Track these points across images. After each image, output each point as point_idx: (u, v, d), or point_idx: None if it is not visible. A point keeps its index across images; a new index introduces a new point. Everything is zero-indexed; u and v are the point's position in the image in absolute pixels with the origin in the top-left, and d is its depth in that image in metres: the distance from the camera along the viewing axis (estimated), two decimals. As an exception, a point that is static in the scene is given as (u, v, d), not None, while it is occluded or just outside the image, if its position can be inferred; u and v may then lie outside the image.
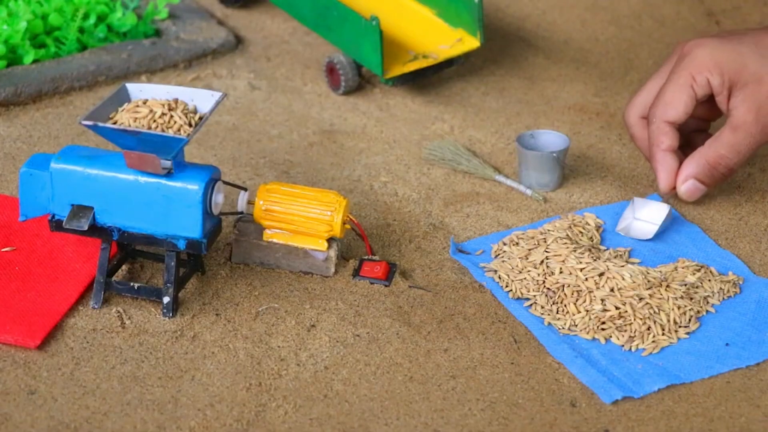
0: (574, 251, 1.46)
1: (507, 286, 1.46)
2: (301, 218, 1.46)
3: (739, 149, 1.51)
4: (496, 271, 1.48)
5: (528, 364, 1.37)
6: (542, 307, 1.42)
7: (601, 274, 1.43)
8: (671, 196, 1.57)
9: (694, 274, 1.47)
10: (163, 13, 1.94)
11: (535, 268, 1.46)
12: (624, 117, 1.60)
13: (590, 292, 1.41)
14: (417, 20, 1.87)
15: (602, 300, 1.41)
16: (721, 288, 1.46)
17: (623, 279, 1.42)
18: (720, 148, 1.52)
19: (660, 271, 1.46)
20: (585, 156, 1.72)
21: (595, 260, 1.45)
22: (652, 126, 1.54)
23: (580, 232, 1.53)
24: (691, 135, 1.61)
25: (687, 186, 1.54)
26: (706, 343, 1.40)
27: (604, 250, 1.50)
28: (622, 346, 1.39)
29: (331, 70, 1.82)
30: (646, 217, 1.54)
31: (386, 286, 1.47)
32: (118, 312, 1.41)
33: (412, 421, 1.30)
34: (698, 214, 1.61)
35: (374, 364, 1.37)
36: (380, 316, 1.43)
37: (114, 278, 1.45)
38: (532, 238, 1.50)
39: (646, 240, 1.53)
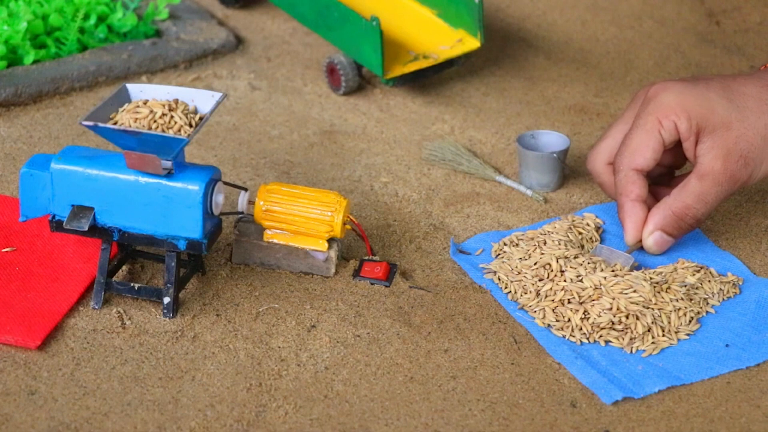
0: (575, 258, 1.46)
1: (506, 288, 1.46)
2: (301, 219, 1.46)
3: (706, 199, 1.45)
4: (495, 273, 1.48)
5: (528, 364, 1.37)
6: (543, 318, 1.42)
7: (603, 284, 1.43)
8: (637, 249, 1.51)
9: (693, 275, 1.47)
10: (164, 13, 1.94)
11: (534, 271, 1.46)
12: (588, 165, 1.54)
13: (592, 302, 1.41)
14: (417, 21, 1.87)
15: (606, 311, 1.40)
16: (720, 289, 1.46)
17: (630, 288, 1.41)
18: (686, 198, 1.45)
19: (660, 273, 1.46)
20: (585, 156, 1.71)
21: (595, 270, 1.44)
22: (620, 175, 1.47)
23: (580, 233, 1.53)
24: (654, 185, 1.55)
25: (654, 238, 1.47)
26: (706, 344, 1.40)
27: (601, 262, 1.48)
28: (623, 347, 1.39)
29: (331, 71, 1.82)
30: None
31: (387, 286, 1.47)
32: (119, 312, 1.41)
33: (413, 422, 1.30)
34: (698, 214, 1.61)
35: (375, 364, 1.37)
36: (381, 317, 1.43)
37: (114, 279, 1.45)
38: (532, 239, 1.50)
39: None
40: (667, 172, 1.56)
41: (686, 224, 1.47)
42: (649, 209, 1.48)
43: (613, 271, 1.43)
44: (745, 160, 1.43)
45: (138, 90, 1.40)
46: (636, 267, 1.48)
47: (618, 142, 1.50)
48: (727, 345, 1.40)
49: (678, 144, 1.48)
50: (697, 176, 1.45)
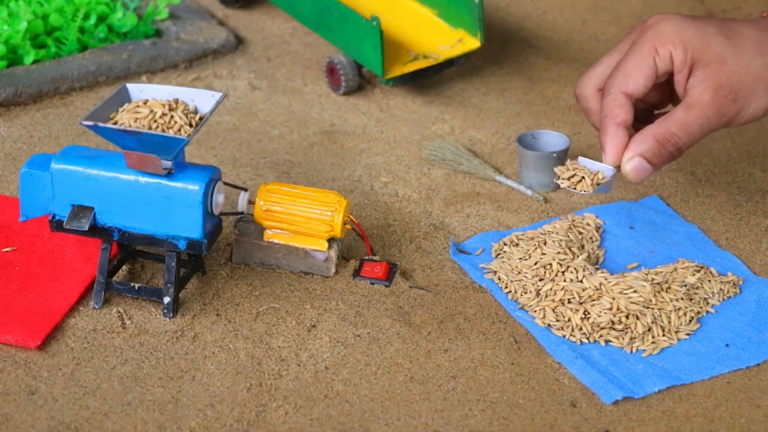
0: (573, 260, 1.46)
1: (506, 287, 1.46)
2: (301, 218, 1.46)
3: (690, 129, 1.41)
4: (495, 273, 1.48)
5: (528, 364, 1.37)
6: (543, 317, 1.42)
7: (603, 284, 1.43)
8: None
9: (693, 274, 1.47)
10: (164, 13, 1.94)
11: (535, 271, 1.46)
12: (577, 89, 1.50)
13: (592, 302, 1.41)
14: (417, 20, 1.87)
15: (606, 311, 1.40)
16: (720, 288, 1.46)
17: (630, 288, 1.41)
18: (671, 125, 1.41)
19: (660, 273, 1.46)
20: (585, 156, 1.71)
21: (595, 271, 1.44)
22: (608, 97, 1.43)
23: (580, 233, 1.53)
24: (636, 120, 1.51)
25: (633, 164, 1.42)
26: (706, 343, 1.40)
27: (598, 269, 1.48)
28: (623, 347, 1.39)
29: (331, 71, 1.82)
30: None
31: (387, 286, 1.47)
32: (119, 312, 1.41)
33: (413, 422, 1.30)
34: (698, 214, 1.61)
35: (375, 364, 1.37)
36: (381, 317, 1.43)
37: (114, 278, 1.45)
38: (532, 238, 1.50)
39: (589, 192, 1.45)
40: (648, 110, 1.52)
41: (667, 152, 1.42)
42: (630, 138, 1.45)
43: (593, 181, 1.41)
44: (734, 96, 1.42)
45: (138, 90, 1.40)
46: (612, 177, 1.43)
47: (610, 69, 1.47)
48: (727, 345, 1.40)
49: (666, 81, 1.45)
50: (685, 106, 1.42)
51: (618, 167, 1.42)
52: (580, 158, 1.45)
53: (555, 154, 1.62)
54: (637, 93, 1.43)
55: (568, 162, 1.44)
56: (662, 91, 1.49)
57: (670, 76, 1.44)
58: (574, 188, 1.42)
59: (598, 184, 1.41)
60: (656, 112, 1.51)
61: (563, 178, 1.43)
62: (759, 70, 1.42)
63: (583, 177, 1.42)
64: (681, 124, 1.41)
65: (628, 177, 1.43)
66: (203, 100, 1.39)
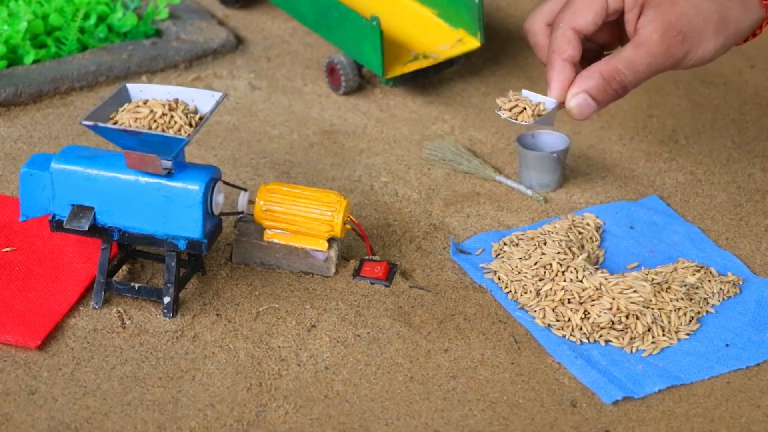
0: (573, 260, 1.46)
1: (506, 287, 1.46)
2: (301, 218, 1.46)
3: (637, 67, 1.38)
4: (495, 272, 1.48)
5: (528, 364, 1.37)
6: (543, 317, 1.42)
7: (603, 284, 1.43)
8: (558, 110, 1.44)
9: (693, 274, 1.47)
10: (164, 13, 1.94)
11: (534, 271, 1.46)
12: (526, 24, 1.45)
13: (592, 301, 1.41)
14: (417, 20, 1.87)
15: (606, 310, 1.40)
16: (720, 288, 1.46)
17: (630, 288, 1.41)
18: (617, 62, 1.38)
19: (660, 273, 1.46)
20: (585, 156, 1.72)
21: (595, 271, 1.44)
22: (557, 32, 1.40)
23: (580, 233, 1.53)
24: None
25: (577, 100, 1.39)
26: (706, 343, 1.40)
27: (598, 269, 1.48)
28: (623, 347, 1.39)
29: (331, 71, 1.82)
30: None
31: (387, 286, 1.47)
32: (119, 312, 1.41)
33: (413, 422, 1.30)
34: (698, 214, 1.61)
35: (375, 364, 1.37)
36: (381, 317, 1.43)
37: (114, 278, 1.45)
38: (532, 238, 1.50)
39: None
40: (597, 51, 1.50)
41: (612, 89, 1.40)
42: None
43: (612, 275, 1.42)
44: (683, 37, 1.40)
45: (138, 90, 1.40)
46: (554, 109, 1.40)
47: (561, 4, 1.44)
48: (727, 345, 1.40)
49: (616, 21, 1.44)
50: (633, 45, 1.40)
51: (562, 103, 1.40)
52: (524, 90, 1.42)
53: (555, 154, 1.62)
54: (586, 29, 1.41)
55: (510, 93, 1.42)
56: (612, 32, 1.46)
57: (620, 17, 1.42)
58: (515, 119, 1.40)
59: (539, 116, 1.38)
60: (605, 53, 1.49)
61: (504, 109, 1.40)
62: (709, 13, 1.40)
63: (524, 108, 1.39)
64: (628, 62, 1.39)
65: (571, 113, 1.40)
66: (203, 100, 1.39)
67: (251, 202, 1.47)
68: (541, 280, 1.45)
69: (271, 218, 1.46)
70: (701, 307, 1.44)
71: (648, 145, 1.75)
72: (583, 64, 1.43)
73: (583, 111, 1.39)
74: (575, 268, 1.44)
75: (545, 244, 1.49)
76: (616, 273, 1.47)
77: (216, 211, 1.40)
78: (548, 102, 1.39)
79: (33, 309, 1.40)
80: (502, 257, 1.50)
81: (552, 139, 1.66)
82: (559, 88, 1.39)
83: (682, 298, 1.43)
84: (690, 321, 1.42)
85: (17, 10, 1.83)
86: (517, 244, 1.51)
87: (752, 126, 1.80)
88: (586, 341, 1.40)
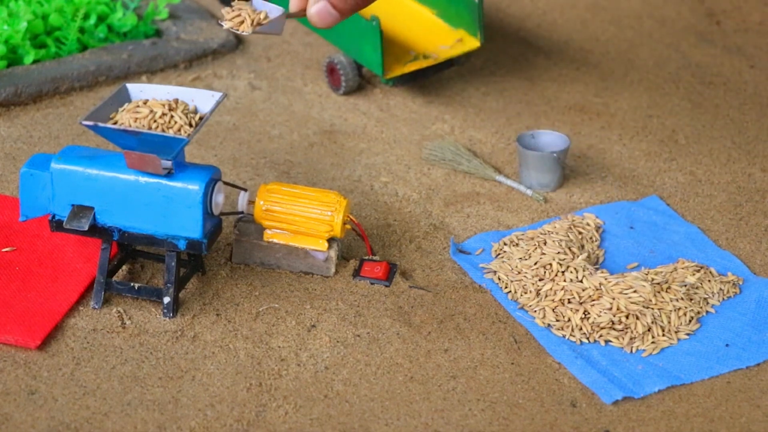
0: (573, 260, 1.46)
1: (506, 287, 1.46)
2: (301, 218, 1.46)
3: None
4: (495, 272, 1.48)
5: (528, 364, 1.37)
6: (543, 317, 1.42)
7: (603, 284, 1.43)
8: (298, 17, 1.37)
9: (693, 274, 1.47)
10: (164, 13, 1.94)
11: (534, 271, 1.46)
12: None
13: (592, 302, 1.41)
14: (417, 20, 1.87)
15: (606, 310, 1.41)
16: (720, 288, 1.46)
17: (630, 288, 1.42)
18: None
19: (660, 273, 1.46)
20: (585, 156, 1.72)
21: (595, 271, 1.44)
22: None
23: (580, 233, 1.53)
24: None
25: (318, 7, 1.33)
26: (706, 343, 1.40)
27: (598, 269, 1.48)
28: (623, 347, 1.39)
29: (331, 71, 1.82)
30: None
31: (386, 286, 1.47)
32: (119, 312, 1.41)
33: (413, 422, 1.30)
34: (698, 214, 1.61)
35: (375, 364, 1.37)
36: (381, 317, 1.43)
37: (114, 278, 1.45)
38: (532, 238, 1.50)
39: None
40: None
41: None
42: None
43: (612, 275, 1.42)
44: None
45: (138, 90, 1.40)
46: (279, 18, 1.36)
47: None
48: (727, 345, 1.40)
49: None
50: None
51: (291, 14, 1.36)
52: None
53: (555, 154, 1.62)
54: None
55: (235, 2, 1.37)
56: None
57: None
58: (237, 29, 1.34)
59: (260, 24, 1.34)
60: None
61: (227, 20, 1.35)
62: None
63: (245, 17, 1.34)
64: None
65: (311, 20, 1.35)
66: (203, 100, 1.39)
67: (251, 202, 1.47)
68: (541, 280, 1.45)
69: (271, 218, 1.46)
70: (701, 307, 1.44)
71: (648, 145, 1.75)
72: None
73: (323, 19, 1.35)
74: (575, 268, 1.44)
75: (545, 244, 1.49)
76: (616, 273, 1.47)
77: (216, 211, 1.40)
78: (273, 11, 1.35)
79: (33, 309, 1.40)
80: (502, 257, 1.50)
81: (552, 139, 1.66)
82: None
83: (682, 298, 1.43)
84: (690, 321, 1.42)
85: (17, 10, 1.83)
86: (517, 244, 1.51)
87: (752, 126, 1.80)
88: (586, 341, 1.40)
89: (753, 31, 2.05)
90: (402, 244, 1.54)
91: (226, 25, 1.34)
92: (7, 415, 1.28)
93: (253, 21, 1.34)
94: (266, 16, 1.34)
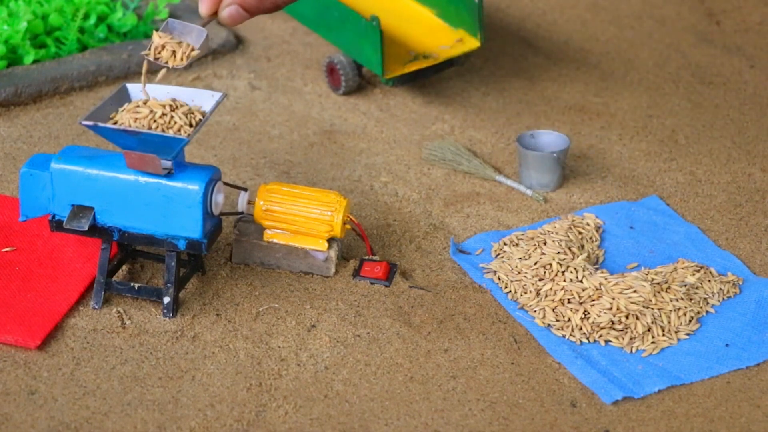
0: (573, 260, 1.46)
1: (506, 287, 1.46)
2: (301, 218, 1.46)
3: None
4: (495, 272, 1.48)
5: (528, 364, 1.37)
6: (543, 317, 1.42)
7: (603, 284, 1.43)
8: (210, 21, 1.39)
9: (693, 274, 1.47)
10: (164, 13, 1.94)
11: (534, 271, 1.46)
12: None
13: (592, 301, 1.41)
14: (417, 20, 1.87)
15: (606, 310, 1.41)
16: (720, 288, 1.46)
17: (630, 288, 1.42)
18: None
19: (660, 273, 1.46)
20: (585, 156, 1.72)
21: (595, 271, 1.45)
22: None
23: (580, 233, 1.53)
24: None
25: (230, 10, 1.36)
26: (706, 343, 1.40)
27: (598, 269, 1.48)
28: (623, 347, 1.39)
29: (331, 71, 1.82)
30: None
31: (386, 286, 1.47)
32: (119, 312, 1.41)
33: (413, 422, 1.30)
34: (698, 214, 1.61)
35: (375, 364, 1.37)
36: (380, 317, 1.43)
37: (114, 278, 1.45)
38: (532, 238, 1.50)
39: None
40: None
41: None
42: None
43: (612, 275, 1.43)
44: None
45: (138, 90, 1.40)
46: (205, 39, 1.38)
47: None
48: (727, 345, 1.40)
49: None
50: None
51: (212, 17, 1.37)
52: (170, 21, 1.39)
53: (555, 154, 1.62)
54: None
55: (157, 33, 1.37)
56: None
57: None
58: (166, 63, 1.36)
59: (189, 57, 1.35)
60: None
61: (154, 56, 1.36)
62: None
63: (174, 51, 1.35)
64: None
65: (224, 22, 1.37)
66: (203, 100, 1.39)
67: (251, 202, 1.47)
68: (541, 280, 1.45)
69: (271, 218, 1.46)
70: (701, 307, 1.44)
71: (648, 145, 1.75)
72: None
73: (234, 20, 1.37)
74: (575, 268, 1.44)
75: (545, 244, 1.49)
76: (616, 273, 1.47)
77: (216, 211, 1.40)
78: (196, 32, 1.37)
79: (33, 309, 1.40)
80: (502, 257, 1.50)
81: (552, 140, 1.66)
82: (209, 4, 1.36)
83: (682, 298, 1.43)
84: (690, 321, 1.42)
85: (17, 10, 1.83)
86: (517, 244, 1.51)
87: (752, 126, 1.80)
88: (586, 341, 1.40)
89: (753, 31, 2.05)
90: (402, 244, 1.54)
91: (155, 61, 1.36)
92: (7, 415, 1.28)
93: (183, 53, 1.36)
94: (194, 48, 1.35)
